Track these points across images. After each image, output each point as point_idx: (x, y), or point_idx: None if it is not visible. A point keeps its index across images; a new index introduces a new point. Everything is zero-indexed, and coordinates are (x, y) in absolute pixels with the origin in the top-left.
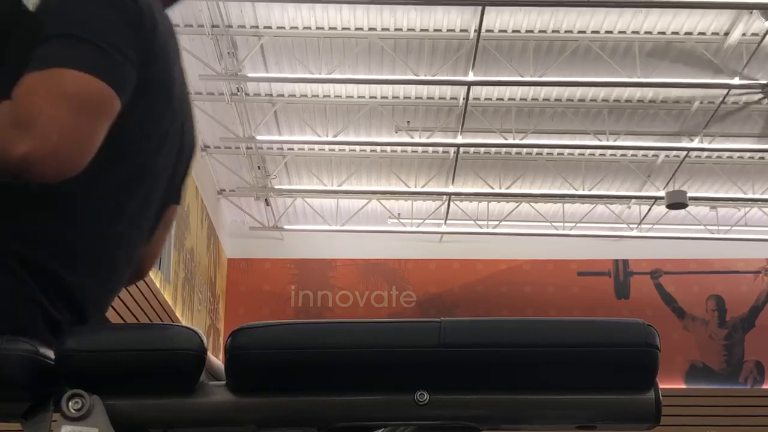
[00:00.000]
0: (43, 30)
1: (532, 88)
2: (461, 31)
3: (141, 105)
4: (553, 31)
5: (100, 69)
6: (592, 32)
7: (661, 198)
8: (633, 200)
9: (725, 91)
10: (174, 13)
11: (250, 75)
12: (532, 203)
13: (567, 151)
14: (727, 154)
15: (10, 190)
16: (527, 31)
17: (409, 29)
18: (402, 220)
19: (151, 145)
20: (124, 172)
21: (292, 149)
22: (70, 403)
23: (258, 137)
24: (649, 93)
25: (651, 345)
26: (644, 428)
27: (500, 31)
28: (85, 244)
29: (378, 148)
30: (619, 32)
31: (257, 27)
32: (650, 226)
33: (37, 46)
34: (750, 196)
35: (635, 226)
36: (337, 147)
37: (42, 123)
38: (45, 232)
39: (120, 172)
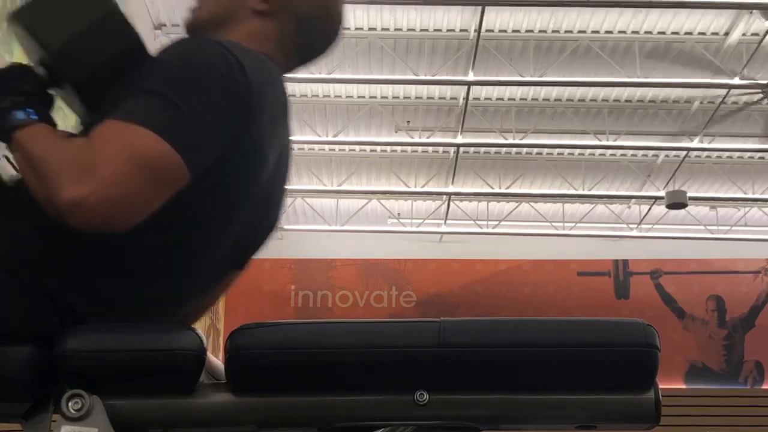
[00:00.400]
0: (144, 80)
1: (532, 87)
2: (461, 30)
3: (223, 174)
4: (553, 31)
5: (177, 137)
6: (592, 32)
7: (661, 198)
8: (633, 200)
9: (725, 91)
10: (173, 14)
11: None
12: (532, 203)
13: (567, 151)
14: (727, 154)
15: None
16: (527, 31)
17: (409, 29)
18: (402, 220)
19: (222, 214)
20: (195, 231)
21: (292, 149)
22: (69, 404)
23: None
24: (649, 93)
25: (651, 345)
26: (644, 428)
27: (500, 30)
28: (135, 292)
29: (378, 147)
30: (619, 32)
31: None
32: (650, 226)
33: (132, 95)
34: (750, 196)
35: (635, 226)
36: (337, 147)
37: (102, 173)
38: (82, 268)
39: (189, 230)
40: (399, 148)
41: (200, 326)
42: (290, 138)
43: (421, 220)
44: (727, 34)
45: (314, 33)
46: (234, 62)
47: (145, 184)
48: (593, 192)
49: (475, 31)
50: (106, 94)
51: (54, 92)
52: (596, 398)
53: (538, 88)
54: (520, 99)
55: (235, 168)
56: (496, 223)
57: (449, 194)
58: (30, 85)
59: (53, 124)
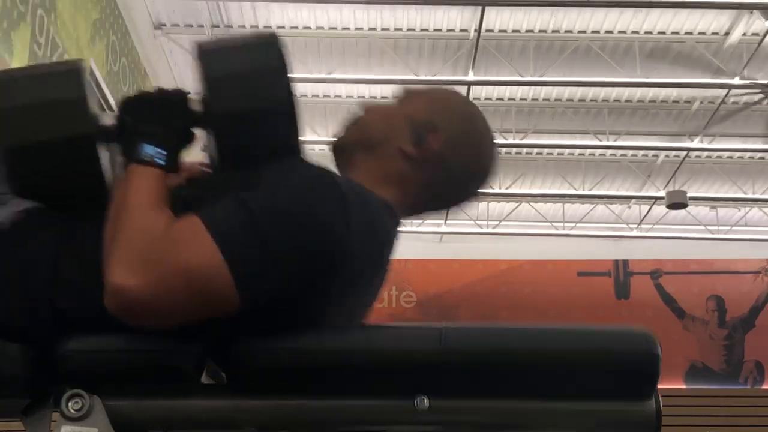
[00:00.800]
0: (255, 183)
1: (532, 87)
2: (461, 30)
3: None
4: (553, 31)
5: (243, 269)
6: (592, 32)
7: (661, 198)
8: (633, 200)
9: (725, 91)
10: (173, 14)
11: None
12: (532, 203)
13: (567, 151)
14: (727, 154)
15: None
16: (527, 31)
17: (409, 29)
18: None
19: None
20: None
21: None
22: (69, 404)
23: None
24: (649, 93)
25: (652, 353)
26: None
27: (500, 30)
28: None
29: None
30: (619, 32)
31: (257, 27)
32: (650, 226)
33: (233, 194)
34: (750, 196)
35: (635, 226)
36: None
37: (153, 276)
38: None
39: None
40: None
41: None
42: (387, 270)
43: (421, 221)
44: (727, 34)
45: (457, 189)
46: (343, 217)
47: (188, 303)
48: (593, 192)
49: (475, 31)
50: (235, 164)
51: (199, 132)
52: (597, 406)
53: (538, 88)
54: (520, 99)
55: (310, 305)
56: (497, 223)
57: None
58: (179, 119)
59: (176, 169)
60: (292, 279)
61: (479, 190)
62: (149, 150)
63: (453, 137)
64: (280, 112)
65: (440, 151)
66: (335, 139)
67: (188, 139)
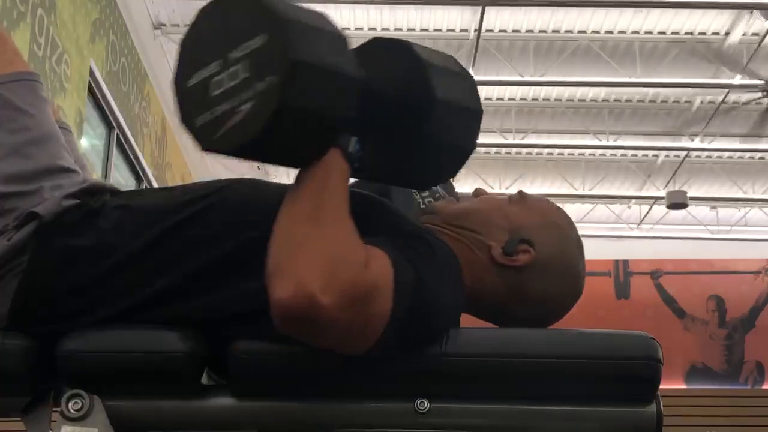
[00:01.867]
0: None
1: (532, 87)
2: (461, 30)
3: None
4: (553, 31)
5: (394, 324)
6: (592, 32)
7: (662, 198)
8: (633, 200)
9: (725, 90)
10: (173, 14)
11: None
12: None
13: (567, 151)
14: (728, 154)
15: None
16: (527, 31)
17: (409, 29)
18: None
19: None
20: None
21: None
22: (70, 404)
23: None
24: (649, 93)
25: (653, 358)
26: None
27: (500, 30)
28: None
29: None
30: (619, 32)
31: None
32: (650, 226)
33: (403, 236)
34: (750, 196)
35: (635, 226)
36: None
37: (342, 302)
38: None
39: None
40: None
41: None
42: None
43: None
44: (727, 33)
45: (522, 308)
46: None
47: (347, 336)
48: (593, 192)
49: (475, 31)
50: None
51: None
52: (597, 410)
53: (538, 88)
54: (520, 99)
55: None
56: None
57: None
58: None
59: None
60: (412, 342)
61: (543, 319)
62: (356, 145)
63: (542, 261)
64: (469, 150)
65: (525, 269)
66: (432, 205)
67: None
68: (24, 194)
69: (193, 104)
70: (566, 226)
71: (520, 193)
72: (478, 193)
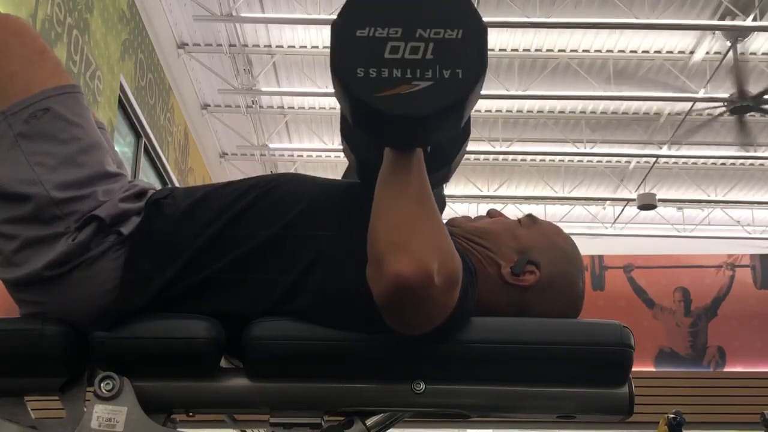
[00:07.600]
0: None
1: (517, 101)
2: None
3: None
4: (536, 50)
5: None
6: (571, 51)
7: (633, 200)
8: (607, 202)
9: (690, 104)
10: (195, 34)
11: (263, 89)
12: (517, 204)
13: (548, 157)
14: (693, 160)
15: None
16: (512, 50)
17: None
18: None
19: None
20: None
21: (302, 156)
22: (102, 384)
23: (271, 145)
24: (622, 106)
25: (626, 345)
26: (618, 419)
27: (488, 50)
28: None
29: None
30: (595, 51)
31: (270, 46)
32: (623, 225)
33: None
34: (713, 198)
35: (610, 225)
36: (341, 154)
37: (449, 284)
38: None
39: None
40: None
41: None
42: None
43: None
44: (692, 53)
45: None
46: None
47: (436, 314)
48: (572, 195)
49: None
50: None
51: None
52: (576, 391)
53: (523, 101)
54: (507, 111)
55: None
56: None
57: None
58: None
59: None
60: (441, 331)
61: None
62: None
63: (545, 282)
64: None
65: (530, 289)
66: (455, 219)
67: None
68: (80, 198)
69: (356, 53)
70: (570, 249)
71: (530, 216)
72: (492, 214)
